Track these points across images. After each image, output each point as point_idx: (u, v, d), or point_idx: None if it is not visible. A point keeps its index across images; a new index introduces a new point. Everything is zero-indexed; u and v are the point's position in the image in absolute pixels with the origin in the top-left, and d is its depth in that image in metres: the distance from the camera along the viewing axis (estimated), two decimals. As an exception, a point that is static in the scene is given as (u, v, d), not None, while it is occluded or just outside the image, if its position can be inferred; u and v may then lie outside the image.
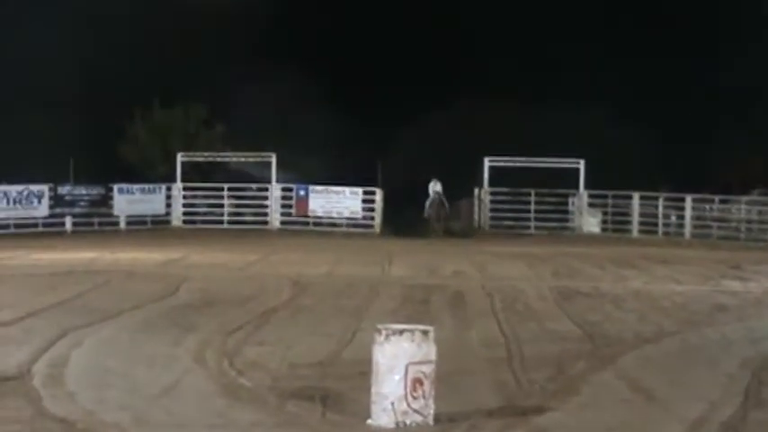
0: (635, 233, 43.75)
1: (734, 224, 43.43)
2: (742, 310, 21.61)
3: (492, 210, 45.17)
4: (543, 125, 46.48)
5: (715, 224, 43.52)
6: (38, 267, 28.51)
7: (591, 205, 45.06)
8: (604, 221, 44.94)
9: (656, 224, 44.24)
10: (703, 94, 49.94)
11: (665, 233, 43.69)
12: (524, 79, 51.51)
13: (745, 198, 43.71)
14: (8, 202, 41.80)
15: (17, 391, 12.74)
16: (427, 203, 43.45)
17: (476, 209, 44.88)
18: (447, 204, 43.30)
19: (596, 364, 14.99)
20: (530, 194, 44.83)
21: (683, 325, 19.24)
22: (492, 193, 45.03)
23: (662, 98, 52.55)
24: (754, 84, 47.19)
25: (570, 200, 45.33)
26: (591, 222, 44.71)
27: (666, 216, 44.29)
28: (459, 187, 44.65)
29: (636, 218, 44.28)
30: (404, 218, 42.90)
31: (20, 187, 42.51)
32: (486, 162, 44.59)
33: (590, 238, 42.44)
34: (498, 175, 44.67)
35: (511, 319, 19.29)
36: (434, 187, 43.16)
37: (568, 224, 45.40)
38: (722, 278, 27.68)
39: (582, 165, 44.21)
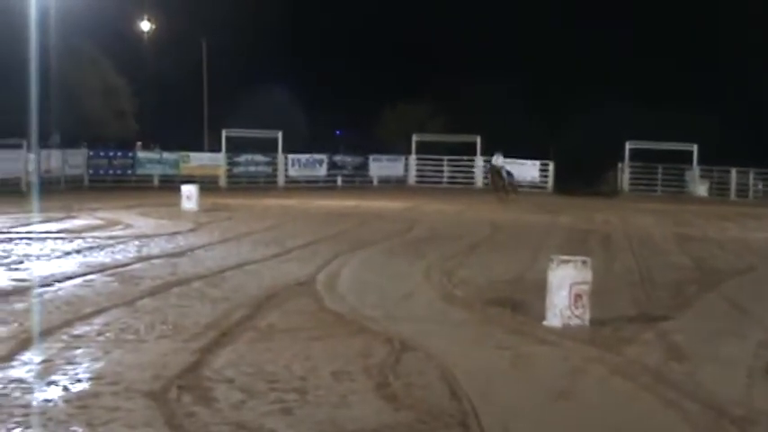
0: (732, 197, 42.82)
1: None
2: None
3: (631, 178, 44.79)
4: (663, 121, 45.85)
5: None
6: (319, 210, 29.08)
7: (701, 176, 44.26)
8: (711, 188, 44.15)
9: (747, 191, 43.19)
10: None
11: (755, 197, 42.59)
12: (651, 86, 51.17)
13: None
14: (299, 166, 43.46)
15: (307, 292, 12.99)
16: (489, 174, 40.53)
17: (619, 177, 44.49)
18: (505, 174, 38.27)
19: (704, 287, 14.59)
20: (657, 168, 44.52)
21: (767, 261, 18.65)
22: (631, 167, 44.63)
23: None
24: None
25: (686, 172, 44.59)
26: (701, 189, 44.00)
27: (755, 185, 43.24)
28: (607, 162, 44.54)
29: (733, 186, 43.41)
30: (568, 183, 42.54)
31: (307, 156, 44.16)
32: (627, 145, 44.32)
33: (700, 200, 41.56)
34: (636, 155, 44.28)
35: (643, 254, 18.88)
36: (495, 160, 38.68)
37: (685, 189, 44.50)
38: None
39: (695, 148, 43.61)
